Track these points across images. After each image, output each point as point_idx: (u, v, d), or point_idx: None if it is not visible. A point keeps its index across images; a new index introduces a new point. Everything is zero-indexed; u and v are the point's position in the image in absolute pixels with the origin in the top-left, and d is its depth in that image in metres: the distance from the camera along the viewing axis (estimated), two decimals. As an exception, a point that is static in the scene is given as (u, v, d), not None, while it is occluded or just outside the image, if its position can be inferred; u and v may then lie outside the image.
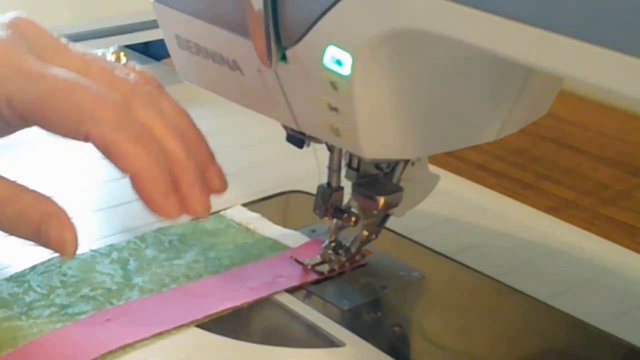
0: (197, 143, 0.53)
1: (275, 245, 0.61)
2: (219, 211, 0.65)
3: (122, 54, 0.53)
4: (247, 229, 0.63)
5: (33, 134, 0.53)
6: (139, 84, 0.51)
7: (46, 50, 0.50)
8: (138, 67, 0.54)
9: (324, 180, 0.58)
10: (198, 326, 0.53)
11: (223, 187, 0.54)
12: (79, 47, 0.52)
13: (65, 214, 0.49)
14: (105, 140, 0.48)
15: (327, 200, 0.57)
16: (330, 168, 0.57)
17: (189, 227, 0.62)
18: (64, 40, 0.52)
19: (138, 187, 0.49)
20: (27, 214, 0.49)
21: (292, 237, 0.62)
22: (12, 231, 0.49)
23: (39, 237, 0.49)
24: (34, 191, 0.49)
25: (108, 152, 0.48)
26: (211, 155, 0.54)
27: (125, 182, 0.56)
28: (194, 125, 0.54)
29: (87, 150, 0.53)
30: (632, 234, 0.70)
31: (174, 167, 0.50)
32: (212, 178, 0.53)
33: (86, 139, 0.48)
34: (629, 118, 0.85)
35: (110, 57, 0.53)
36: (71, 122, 0.48)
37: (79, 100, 0.48)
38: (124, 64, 0.53)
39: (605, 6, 0.35)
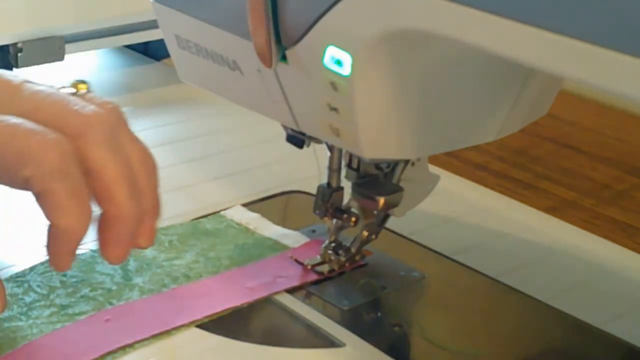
0: (147, 190, 0.51)
1: (275, 245, 0.61)
2: (219, 211, 0.65)
3: (81, 85, 0.51)
4: (247, 229, 0.63)
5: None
6: (95, 119, 0.48)
7: None
8: (99, 98, 0.51)
9: (324, 180, 0.58)
10: (198, 326, 0.53)
11: (147, 245, 0.52)
12: (33, 85, 0.49)
13: None
14: (42, 187, 0.46)
15: (327, 200, 0.57)
16: (330, 168, 0.57)
17: (189, 227, 0.62)
18: (17, 81, 0.49)
19: (55, 241, 0.48)
20: None
21: (292, 237, 0.62)
22: None
23: None
24: None
25: (43, 198, 0.47)
26: (155, 206, 0.51)
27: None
28: (150, 167, 0.52)
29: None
30: (632, 234, 0.70)
31: (111, 213, 0.49)
32: (142, 233, 0.51)
33: (26, 184, 0.47)
34: (629, 118, 0.85)
35: (69, 89, 0.51)
36: (12, 169, 0.46)
37: (19, 145, 0.46)
38: (83, 95, 0.51)
39: (605, 6, 0.35)
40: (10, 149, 0.46)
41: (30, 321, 0.51)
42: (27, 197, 0.57)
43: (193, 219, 0.64)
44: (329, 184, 0.57)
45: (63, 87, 0.51)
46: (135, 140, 0.51)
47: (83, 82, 0.52)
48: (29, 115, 0.47)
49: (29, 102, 0.48)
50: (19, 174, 0.46)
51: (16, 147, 0.46)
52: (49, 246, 0.48)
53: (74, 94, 0.50)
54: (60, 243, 0.48)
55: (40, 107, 0.48)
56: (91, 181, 0.48)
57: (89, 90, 0.52)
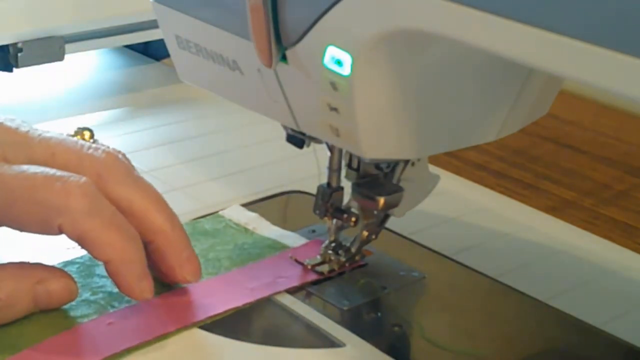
0: None
1: (274, 245, 0.61)
2: (217, 211, 0.64)
3: (86, 132, 0.53)
4: (246, 229, 0.63)
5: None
6: (111, 160, 0.50)
7: (6, 146, 0.49)
8: (104, 144, 0.53)
9: (324, 180, 0.58)
10: (198, 326, 0.53)
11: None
12: (42, 132, 0.51)
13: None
14: (78, 231, 0.48)
15: (327, 200, 0.57)
16: (330, 168, 0.57)
17: (188, 228, 0.62)
18: (24, 129, 0.50)
19: (113, 273, 0.50)
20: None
21: (292, 238, 0.62)
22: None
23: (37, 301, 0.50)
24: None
25: (82, 241, 0.49)
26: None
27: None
28: None
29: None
30: (632, 234, 0.70)
31: (159, 239, 0.51)
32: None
33: (59, 232, 0.48)
34: (629, 118, 0.85)
35: (75, 138, 0.52)
36: (41, 220, 0.48)
37: (45, 196, 0.47)
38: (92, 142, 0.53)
39: (605, 6, 0.35)
40: (36, 202, 0.48)
41: (32, 323, 0.51)
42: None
43: (192, 219, 0.64)
44: (329, 184, 0.57)
45: (68, 135, 0.52)
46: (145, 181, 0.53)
47: (87, 129, 0.53)
48: (47, 163, 0.49)
49: (43, 150, 0.49)
50: (52, 224, 0.48)
51: (41, 199, 0.47)
52: (114, 281, 0.50)
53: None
54: (121, 275, 0.50)
55: (56, 154, 0.49)
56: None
57: (93, 137, 0.53)
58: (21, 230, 0.49)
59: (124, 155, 0.53)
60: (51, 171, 0.48)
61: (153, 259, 0.52)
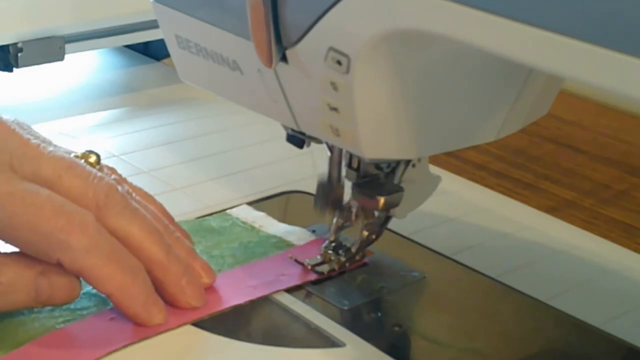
0: (176, 237, 0.54)
1: (279, 243, 0.61)
2: (224, 210, 0.65)
3: (92, 156, 0.54)
4: (252, 228, 0.63)
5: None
6: (111, 191, 0.51)
7: (15, 156, 0.49)
8: (108, 167, 0.54)
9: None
10: (198, 326, 0.53)
11: (211, 279, 0.55)
12: (52, 147, 0.51)
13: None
14: (77, 267, 0.49)
15: (327, 192, 0.57)
16: (330, 168, 0.57)
17: (195, 225, 0.62)
18: (34, 141, 0.51)
19: (117, 305, 0.51)
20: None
21: (297, 234, 0.62)
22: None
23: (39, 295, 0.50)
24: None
25: (82, 276, 0.50)
26: (191, 249, 0.55)
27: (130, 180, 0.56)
28: (168, 215, 0.55)
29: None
30: (632, 234, 0.70)
31: (156, 270, 0.52)
32: (198, 272, 0.54)
33: (58, 264, 0.49)
34: (629, 118, 0.85)
35: (82, 161, 0.53)
36: (41, 249, 0.49)
37: (48, 230, 0.48)
38: (97, 168, 0.53)
39: (605, 6, 0.35)
40: (39, 234, 0.49)
41: (33, 315, 0.51)
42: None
43: (198, 217, 0.64)
44: (329, 181, 0.57)
45: (75, 156, 0.53)
46: (146, 195, 0.55)
47: (94, 153, 0.54)
48: (52, 183, 0.50)
49: (52, 170, 0.50)
50: (51, 256, 0.49)
51: (43, 231, 0.48)
52: (122, 312, 0.51)
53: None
54: (125, 306, 0.51)
55: (62, 177, 0.50)
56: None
57: (99, 162, 0.54)
58: (19, 249, 0.50)
59: (125, 180, 0.54)
60: (59, 201, 0.49)
61: (156, 288, 0.52)
